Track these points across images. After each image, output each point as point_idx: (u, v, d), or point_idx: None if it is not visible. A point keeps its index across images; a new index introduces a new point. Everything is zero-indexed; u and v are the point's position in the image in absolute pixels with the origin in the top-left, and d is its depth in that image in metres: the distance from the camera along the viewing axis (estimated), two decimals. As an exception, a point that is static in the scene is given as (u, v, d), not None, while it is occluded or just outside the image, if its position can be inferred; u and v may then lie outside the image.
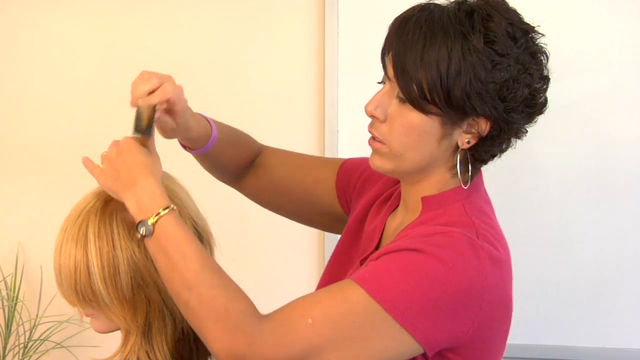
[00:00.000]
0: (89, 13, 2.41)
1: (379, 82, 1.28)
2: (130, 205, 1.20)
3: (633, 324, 2.15)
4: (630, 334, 2.15)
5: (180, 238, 1.17)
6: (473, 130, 1.24)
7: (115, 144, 1.25)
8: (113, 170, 1.22)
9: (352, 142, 2.20)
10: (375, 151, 1.28)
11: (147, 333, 1.26)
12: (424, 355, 1.18)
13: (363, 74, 2.23)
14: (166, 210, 1.18)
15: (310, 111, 2.31)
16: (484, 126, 1.23)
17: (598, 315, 2.16)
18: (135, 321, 1.25)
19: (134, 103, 1.25)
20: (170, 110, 1.28)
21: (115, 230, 1.25)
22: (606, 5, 2.10)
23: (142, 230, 1.17)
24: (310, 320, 1.13)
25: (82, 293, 1.25)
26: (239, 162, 1.54)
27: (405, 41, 1.21)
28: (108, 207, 1.27)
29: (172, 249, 1.16)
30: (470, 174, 1.27)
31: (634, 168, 2.12)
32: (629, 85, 2.11)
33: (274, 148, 1.59)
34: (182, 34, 2.38)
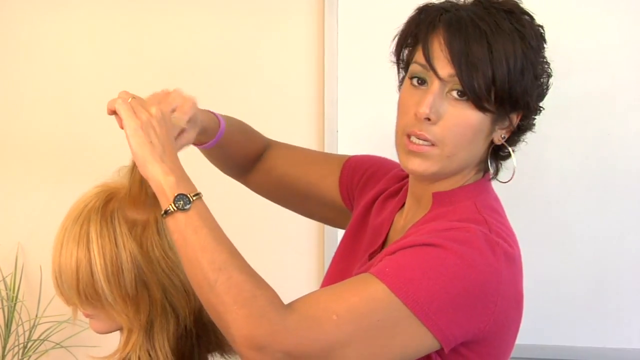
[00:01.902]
0: (93, 11, 2.40)
1: (414, 85, 1.25)
2: (158, 173, 1.16)
3: (633, 324, 2.15)
4: (630, 334, 2.15)
5: (213, 220, 1.17)
6: (507, 124, 1.27)
7: (140, 103, 1.20)
8: (146, 134, 1.17)
9: (352, 142, 2.20)
10: (418, 155, 1.24)
11: (149, 331, 1.26)
12: (439, 351, 1.19)
13: (363, 73, 2.23)
14: (200, 194, 1.18)
15: (310, 111, 2.31)
16: (515, 119, 1.27)
17: (598, 315, 2.16)
18: (137, 319, 1.25)
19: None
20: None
21: (117, 229, 1.25)
22: (606, 5, 2.10)
23: (180, 204, 1.14)
24: (335, 317, 1.13)
25: (84, 292, 1.24)
26: (248, 154, 1.55)
27: (466, 39, 1.20)
28: (108, 206, 1.26)
29: (205, 230, 1.15)
30: (495, 168, 1.31)
31: (634, 168, 2.12)
32: (629, 85, 2.11)
33: (281, 143, 1.60)
34: (182, 34, 2.38)
